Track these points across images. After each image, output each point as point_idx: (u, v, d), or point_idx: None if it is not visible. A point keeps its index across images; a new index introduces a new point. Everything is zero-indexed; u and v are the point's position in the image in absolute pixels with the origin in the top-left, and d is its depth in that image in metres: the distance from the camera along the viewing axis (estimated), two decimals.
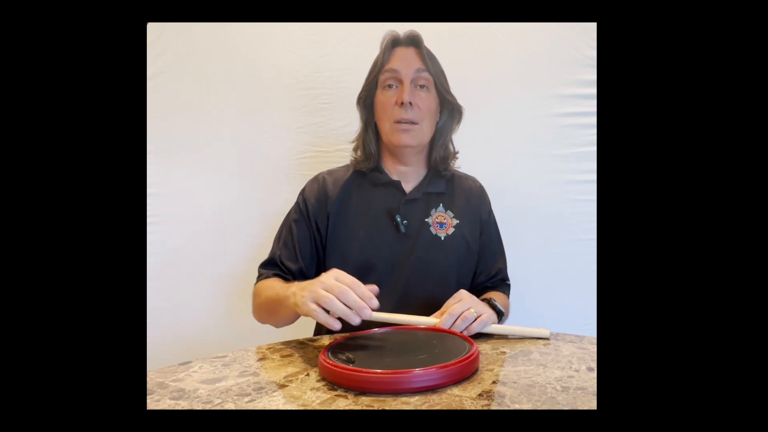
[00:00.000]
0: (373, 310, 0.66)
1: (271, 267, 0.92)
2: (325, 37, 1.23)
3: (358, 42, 1.21)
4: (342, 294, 0.63)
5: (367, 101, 0.94)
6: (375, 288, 0.66)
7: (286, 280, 0.88)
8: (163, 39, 1.23)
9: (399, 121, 0.88)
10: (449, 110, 0.95)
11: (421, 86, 0.90)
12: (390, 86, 0.90)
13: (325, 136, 1.25)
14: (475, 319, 0.75)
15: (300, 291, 0.68)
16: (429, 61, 0.91)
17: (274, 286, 0.82)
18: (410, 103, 0.88)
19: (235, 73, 1.25)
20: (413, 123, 0.89)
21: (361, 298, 0.63)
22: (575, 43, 1.17)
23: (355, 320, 0.64)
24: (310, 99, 1.25)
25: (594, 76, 1.16)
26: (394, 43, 0.92)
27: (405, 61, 0.90)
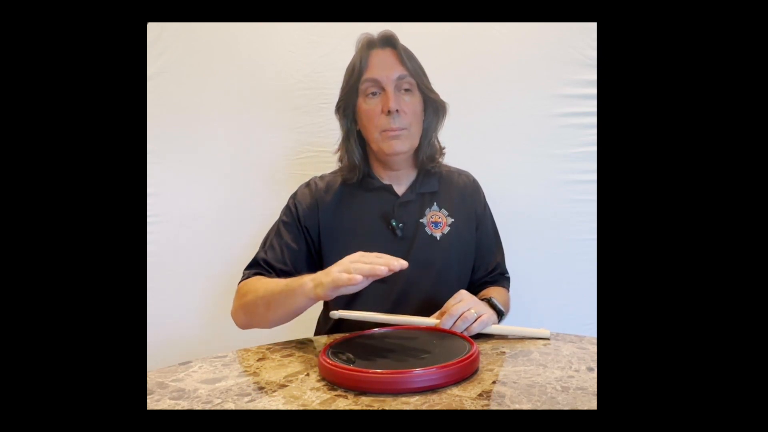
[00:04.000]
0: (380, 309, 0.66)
1: (256, 267, 0.90)
2: (325, 37, 1.23)
3: None
4: (371, 260, 0.66)
5: (347, 110, 0.91)
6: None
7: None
8: (163, 39, 1.23)
9: (387, 130, 0.87)
10: (433, 108, 0.93)
11: (406, 90, 0.88)
12: (373, 94, 0.88)
13: (326, 136, 1.25)
14: (476, 320, 0.75)
15: (321, 272, 0.70)
16: (408, 63, 0.88)
17: (277, 281, 0.80)
18: (397, 110, 0.86)
19: (235, 73, 1.25)
20: (402, 129, 0.87)
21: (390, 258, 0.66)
22: (575, 43, 1.17)
23: (384, 270, 0.64)
24: (310, 99, 1.25)
25: (594, 76, 1.16)
26: (369, 46, 0.89)
27: (384, 67, 0.87)
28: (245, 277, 0.89)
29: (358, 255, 0.69)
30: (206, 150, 1.27)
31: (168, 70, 1.24)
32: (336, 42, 1.23)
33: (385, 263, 0.65)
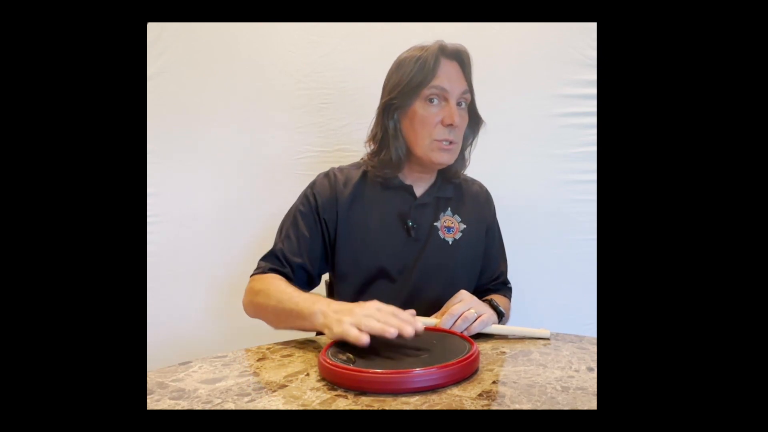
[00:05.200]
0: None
1: (271, 260, 0.88)
2: (325, 37, 1.23)
3: (358, 42, 1.21)
4: (384, 318, 0.64)
5: (398, 110, 0.88)
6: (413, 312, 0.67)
7: (285, 276, 0.86)
8: (163, 39, 1.23)
9: (442, 140, 0.86)
10: (472, 123, 0.94)
11: (459, 103, 0.88)
12: (432, 101, 0.86)
13: (326, 136, 1.25)
14: (476, 320, 0.75)
15: (334, 314, 0.67)
16: (470, 80, 0.90)
17: (291, 294, 0.78)
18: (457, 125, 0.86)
19: (235, 73, 1.25)
20: (454, 143, 0.88)
21: (405, 321, 0.63)
22: (575, 43, 1.17)
23: (394, 333, 0.62)
24: (310, 99, 1.25)
25: (594, 76, 1.16)
26: (442, 53, 0.87)
27: (452, 79, 0.87)
28: (260, 269, 0.88)
29: (374, 308, 0.66)
30: (206, 150, 1.27)
31: (168, 70, 1.24)
32: (336, 42, 1.23)
33: (398, 326, 0.62)
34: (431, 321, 0.76)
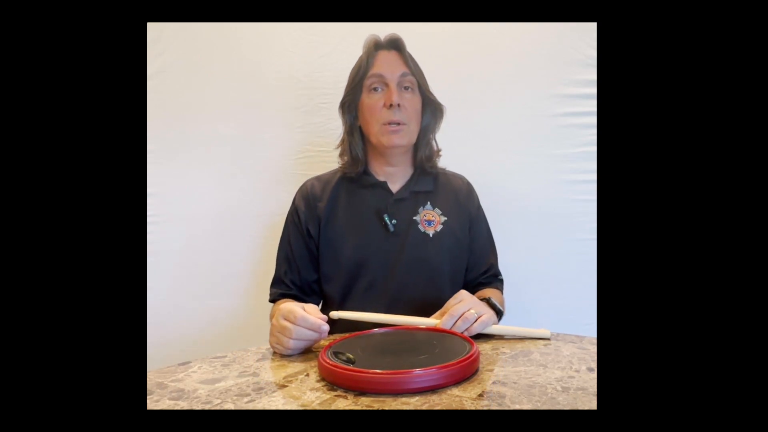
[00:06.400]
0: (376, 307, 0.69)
1: (278, 285, 0.95)
2: (325, 37, 1.23)
3: (358, 42, 1.20)
4: (295, 333, 0.68)
5: (351, 106, 0.95)
6: (322, 316, 0.70)
7: (293, 297, 0.92)
8: (163, 39, 1.23)
9: (388, 123, 0.90)
10: (431, 110, 0.97)
11: (406, 88, 0.92)
12: (375, 89, 0.92)
13: (325, 136, 1.25)
14: (476, 320, 0.75)
15: (270, 336, 0.73)
16: (411, 64, 0.93)
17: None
18: (398, 104, 0.90)
19: (235, 72, 1.25)
20: (402, 124, 0.91)
21: (311, 329, 0.68)
22: (575, 43, 1.17)
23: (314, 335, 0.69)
24: (310, 99, 1.25)
25: (594, 76, 1.16)
26: (376, 47, 0.93)
27: (389, 65, 0.92)
28: (271, 296, 0.95)
29: (279, 327, 0.70)
30: (206, 150, 1.27)
31: (168, 70, 1.24)
32: (336, 42, 1.23)
33: (311, 340, 0.69)
34: (431, 321, 0.76)
